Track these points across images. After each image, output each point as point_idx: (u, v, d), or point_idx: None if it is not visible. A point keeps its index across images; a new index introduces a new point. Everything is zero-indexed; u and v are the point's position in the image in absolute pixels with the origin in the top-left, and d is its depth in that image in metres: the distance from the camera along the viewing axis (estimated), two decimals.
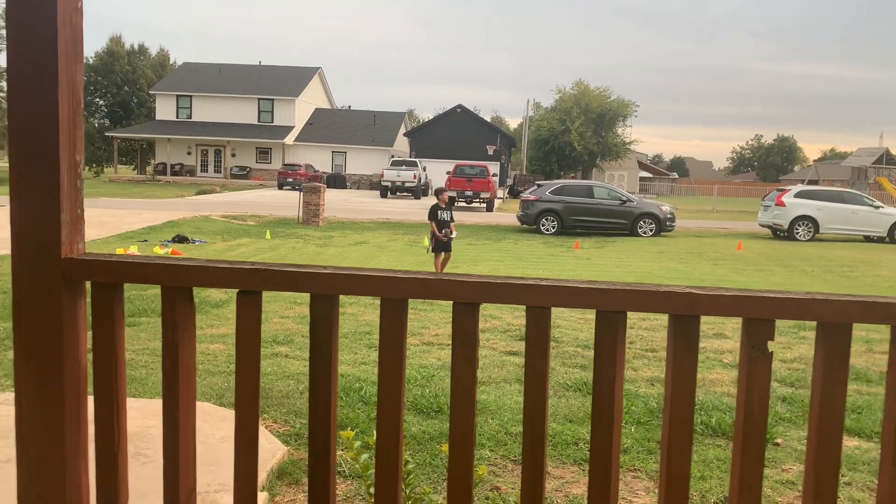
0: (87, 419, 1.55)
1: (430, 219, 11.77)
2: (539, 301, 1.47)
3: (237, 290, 1.51)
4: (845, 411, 1.47)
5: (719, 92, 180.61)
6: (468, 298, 1.47)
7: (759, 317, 1.44)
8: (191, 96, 51.08)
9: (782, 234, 22.19)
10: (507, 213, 29.10)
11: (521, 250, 17.53)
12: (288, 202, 27.00)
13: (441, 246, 11.76)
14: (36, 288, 1.47)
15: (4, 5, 1.44)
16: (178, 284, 1.51)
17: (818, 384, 1.46)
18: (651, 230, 21.88)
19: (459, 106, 51.71)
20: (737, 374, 5.66)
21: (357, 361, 5.60)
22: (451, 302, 1.48)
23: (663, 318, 7.68)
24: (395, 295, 1.48)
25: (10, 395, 4.39)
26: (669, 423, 1.48)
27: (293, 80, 52.31)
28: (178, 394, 1.52)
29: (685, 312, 1.44)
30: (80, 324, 1.52)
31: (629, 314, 1.47)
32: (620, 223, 21.98)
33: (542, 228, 21.92)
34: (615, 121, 52.39)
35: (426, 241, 16.82)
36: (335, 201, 30.08)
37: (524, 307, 1.48)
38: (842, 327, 1.43)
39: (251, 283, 1.49)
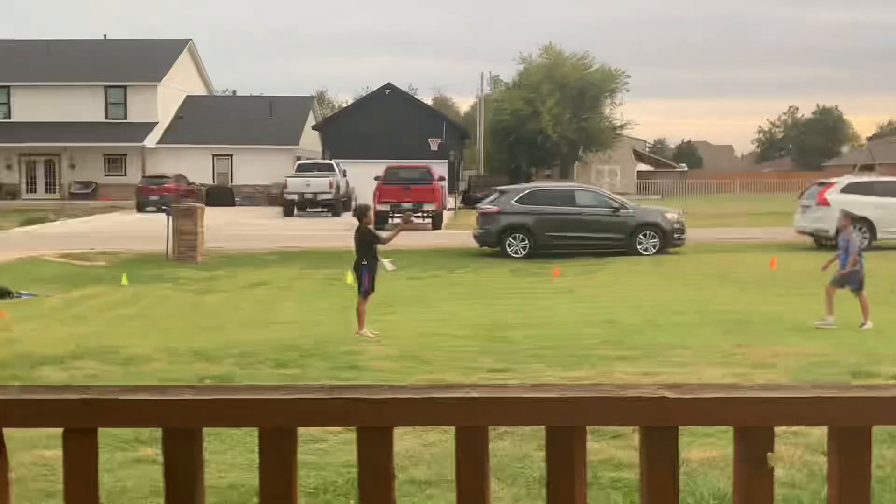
0: None
1: (366, 250, 11.79)
2: (471, 419, 1.53)
3: (62, 429, 1.54)
4: None
5: (738, 52, 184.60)
6: (376, 423, 1.52)
7: (755, 424, 1.53)
8: (8, 87, 50.23)
9: (828, 242, 22.47)
10: (460, 231, 29.29)
11: (483, 283, 17.69)
12: (152, 230, 26.65)
13: (373, 285, 11.88)
14: None
15: None
16: None
17: (835, 500, 1.56)
18: (654, 246, 22.24)
19: (388, 85, 52.07)
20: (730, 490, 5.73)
21: None
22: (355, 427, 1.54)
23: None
24: (279, 424, 1.53)
25: None
26: None
27: (153, 58, 51.89)
28: None
29: (658, 424, 1.53)
30: None
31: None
32: (613, 239, 22.30)
33: (508, 250, 22.12)
34: (600, 98, 53.33)
35: (349, 277, 16.78)
36: (220, 225, 29.82)
37: (452, 428, 1.55)
38: (859, 431, 1.53)
39: (82, 419, 1.52)
